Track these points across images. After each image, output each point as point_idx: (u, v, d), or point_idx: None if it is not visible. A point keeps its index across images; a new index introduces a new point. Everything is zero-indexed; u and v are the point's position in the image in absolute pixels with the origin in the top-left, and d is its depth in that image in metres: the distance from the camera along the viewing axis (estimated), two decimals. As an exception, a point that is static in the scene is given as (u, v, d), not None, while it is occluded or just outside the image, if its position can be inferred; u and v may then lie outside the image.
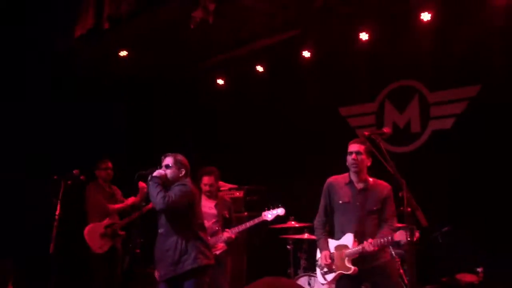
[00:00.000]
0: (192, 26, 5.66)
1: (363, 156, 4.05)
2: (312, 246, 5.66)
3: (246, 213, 6.39)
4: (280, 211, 5.27)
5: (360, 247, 3.92)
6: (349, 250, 3.99)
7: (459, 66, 6.10)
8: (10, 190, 6.11)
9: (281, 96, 7.54)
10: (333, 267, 4.09)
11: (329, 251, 4.14)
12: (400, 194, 3.54)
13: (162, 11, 5.93)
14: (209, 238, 5.28)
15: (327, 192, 4.24)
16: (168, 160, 4.29)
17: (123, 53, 6.91)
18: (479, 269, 5.04)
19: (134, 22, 6.10)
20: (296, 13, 6.05)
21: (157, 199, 4.04)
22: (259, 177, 6.97)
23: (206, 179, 5.39)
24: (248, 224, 5.28)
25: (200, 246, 4.17)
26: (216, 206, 5.40)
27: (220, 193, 5.66)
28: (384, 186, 4.12)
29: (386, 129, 4.07)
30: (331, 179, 4.28)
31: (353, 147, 4.10)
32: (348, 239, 4.04)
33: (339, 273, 4.06)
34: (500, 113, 5.71)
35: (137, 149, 7.33)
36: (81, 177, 5.33)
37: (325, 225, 4.27)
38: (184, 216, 4.16)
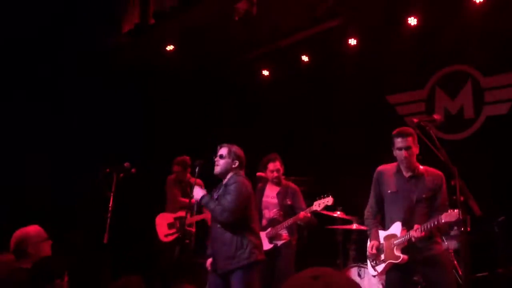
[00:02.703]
0: (236, 18, 5.68)
1: (413, 149, 3.91)
2: (361, 237, 5.59)
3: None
4: (329, 200, 5.21)
5: (407, 234, 3.83)
6: (398, 239, 3.90)
7: (512, 49, 5.83)
8: (63, 184, 6.39)
9: (327, 86, 7.45)
10: (382, 257, 4.01)
11: (378, 241, 4.06)
12: (452, 183, 3.45)
13: (206, 4, 5.98)
14: (270, 229, 5.36)
15: (376, 182, 4.14)
16: (223, 151, 4.32)
17: (170, 48, 7.02)
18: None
19: (179, 17, 6.19)
20: (340, 0, 5.95)
21: (217, 214, 4.17)
22: (306, 168, 6.93)
23: (271, 165, 5.44)
24: (301, 215, 5.24)
25: (254, 241, 4.20)
26: (278, 195, 5.42)
27: (284, 181, 5.62)
28: (435, 174, 3.97)
29: (437, 116, 3.96)
30: (381, 168, 4.17)
31: (401, 142, 3.91)
32: (396, 227, 3.95)
33: (388, 263, 3.96)
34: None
35: (185, 141, 7.44)
36: (132, 170, 5.46)
37: (376, 215, 4.19)
38: (242, 212, 4.20)
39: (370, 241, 4.15)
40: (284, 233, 5.33)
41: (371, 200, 4.22)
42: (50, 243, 3.55)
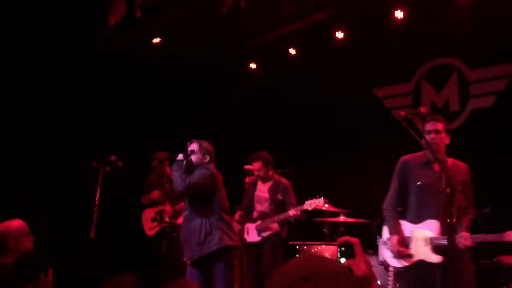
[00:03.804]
0: (224, 11, 5.65)
1: (442, 135, 3.81)
2: (348, 229, 5.64)
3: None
4: (320, 201, 5.25)
5: (455, 239, 3.49)
6: (437, 240, 3.68)
7: (498, 42, 5.87)
8: (47, 177, 6.34)
9: (314, 79, 7.45)
10: (411, 252, 3.77)
11: (401, 235, 3.83)
12: (438, 175, 3.46)
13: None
14: (259, 221, 5.41)
15: (401, 172, 3.90)
16: (194, 146, 4.38)
17: (156, 40, 6.97)
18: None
19: (166, 9, 6.14)
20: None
21: (178, 181, 4.15)
22: (294, 160, 6.95)
23: (254, 165, 5.57)
24: (291, 212, 5.29)
25: (224, 228, 4.25)
26: (269, 189, 5.49)
27: (277, 176, 5.69)
28: (463, 167, 3.87)
29: (423, 109, 3.95)
30: (406, 158, 3.94)
31: (432, 125, 3.80)
32: (432, 225, 3.74)
33: (419, 261, 3.74)
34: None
35: (171, 135, 7.41)
36: (119, 163, 5.43)
37: (396, 206, 3.96)
38: (206, 198, 4.24)
39: (391, 234, 3.90)
40: (274, 226, 5.39)
41: (393, 192, 3.99)
42: (32, 239, 3.51)
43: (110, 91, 7.07)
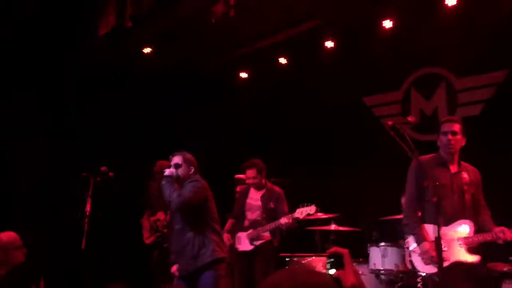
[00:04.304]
0: (213, 21, 5.68)
1: (459, 136, 3.80)
2: (339, 237, 5.66)
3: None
4: (311, 209, 5.25)
5: (489, 235, 3.60)
6: (470, 239, 3.66)
7: (485, 52, 5.94)
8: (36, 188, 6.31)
9: (304, 88, 7.50)
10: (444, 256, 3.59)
11: (430, 241, 3.70)
12: (424, 184, 3.49)
13: (183, 6, 5.97)
14: (251, 230, 5.41)
15: (418, 173, 3.78)
16: (177, 159, 4.37)
17: (147, 50, 6.99)
18: (512, 258, 4.93)
19: (156, 19, 6.16)
20: (317, 3, 6.00)
21: (173, 197, 4.13)
22: (284, 169, 6.97)
23: (248, 172, 5.54)
24: (282, 221, 5.28)
25: (216, 240, 4.25)
26: (261, 198, 5.49)
27: (270, 184, 5.69)
28: (475, 170, 3.91)
29: (411, 118, 4.01)
30: (421, 159, 3.83)
31: (448, 126, 3.79)
32: (464, 226, 3.72)
33: (454, 262, 3.67)
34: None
35: (163, 143, 7.41)
36: (110, 174, 5.42)
37: (417, 210, 3.84)
38: (199, 211, 4.23)
39: (420, 241, 3.74)
40: (266, 234, 5.39)
41: (412, 195, 3.88)
42: (24, 251, 3.50)
43: (99, 101, 7.06)
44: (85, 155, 6.37)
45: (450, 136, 3.78)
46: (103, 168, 5.26)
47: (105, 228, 5.91)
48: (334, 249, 1.68)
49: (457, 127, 3.81)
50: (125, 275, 6.33)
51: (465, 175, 3.82)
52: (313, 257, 5.64)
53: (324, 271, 5.27)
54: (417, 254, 3.80)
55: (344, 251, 1.67)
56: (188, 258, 4.19)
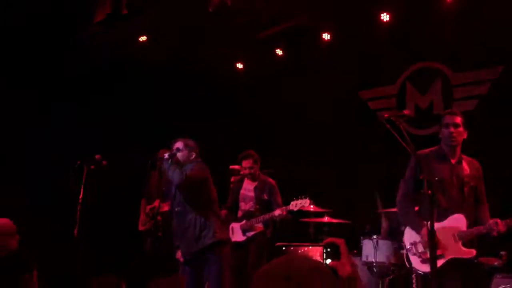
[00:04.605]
0: (210, 10, 5.65)
1: (461, 129, 3.76)
2: (332, 229, 5.68)
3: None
4: (306, 202, 5.28)
5: (483, 228, 3.55)
6: (465, 232, 3.60)
7: (481, 47, 5.96)
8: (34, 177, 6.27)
9: (300, 80, 7.47)
10: (440, 253, 3.51)
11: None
12: (420, 177, 3.48)
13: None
14: (245, 221, 5.43)
15: (418, 167, 3.64)
16: (179, 144, 4.40)
17: (143, 38, 6.94)
18: (502, 253, 4.97)
19: (152, 7, 6.11)
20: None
21: (174, 174, 4.14)
22: (278, 162, 6.97)
23: (244, 163, 5.58)
24: (276, 212, 5.31)
25: (217, 222, 4.29)
26: (255, 189, 5.51)
27: (264, 176, 5.72)
28: (476, 163, 3.86)
29: (407, 111, 3.99)
30: (421, 152, 3.78)
31: (450, 118, 3.75)
32: (459, 219, 3.66)
33: (451, 259, 3.58)
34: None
35: (158, 133, 7.38)
36: (103, 162, 5.40)
37: (414, 205, 3.80)
38: (200, 192, 4.26)
39: (418, 229, 3.67)
40: (259, 225, 5.41)
41: (409, 188, 3.81)
42: (17, 238, 3.48)
43: (94, 89, 7.02)
44: (80, 145, 6.35)
45: (452, 129, 3.75)
46: (97, 156, 5.24)
47: (99, 216, 5.90)
48: (330, 239, 1.68)
49: (459, 119, 3.79)
50: (118, 265, 6.33)
51: (466, 167, 3.79)
52: (310, 247, 5.67)
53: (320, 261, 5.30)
54: (412, 252, 3.74)
55: (340, 242, 1.67)
56: (190, 239, 4.22)
